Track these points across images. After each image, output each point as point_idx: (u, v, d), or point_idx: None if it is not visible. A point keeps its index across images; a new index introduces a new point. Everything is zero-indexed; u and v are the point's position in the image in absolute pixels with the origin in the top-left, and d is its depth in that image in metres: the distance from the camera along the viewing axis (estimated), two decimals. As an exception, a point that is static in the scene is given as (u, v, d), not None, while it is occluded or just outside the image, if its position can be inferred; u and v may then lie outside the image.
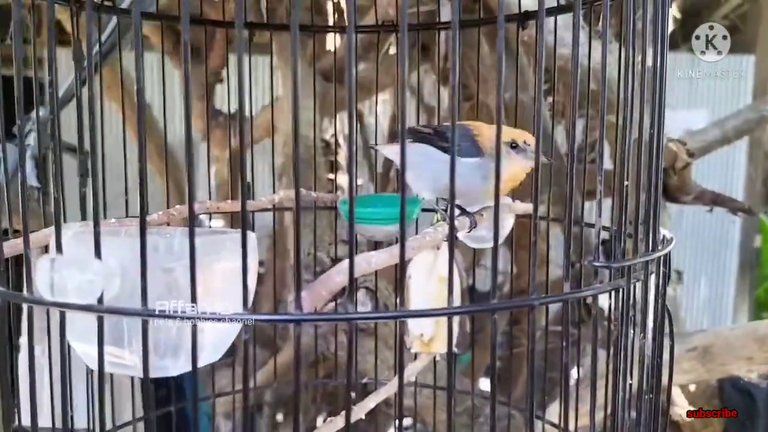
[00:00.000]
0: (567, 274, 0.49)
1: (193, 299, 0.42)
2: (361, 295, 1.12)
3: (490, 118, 1.17)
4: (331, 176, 1.98)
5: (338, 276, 0.45)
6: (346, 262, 0.44)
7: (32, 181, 1.07)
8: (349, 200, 0.42)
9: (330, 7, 1.73)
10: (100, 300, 0.43)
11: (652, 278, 0.59)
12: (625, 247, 0.54)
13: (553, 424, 0.90)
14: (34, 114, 1.09)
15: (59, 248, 0.44)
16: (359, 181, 2.18)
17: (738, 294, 3.83)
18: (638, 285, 0.56)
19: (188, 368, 0.49)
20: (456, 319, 0.92)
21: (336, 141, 2.15)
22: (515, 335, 1.85)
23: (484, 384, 1.94)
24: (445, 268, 0.96)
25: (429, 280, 0.91)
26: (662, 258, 0.60)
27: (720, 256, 3.96)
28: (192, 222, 0.41)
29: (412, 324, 0.87)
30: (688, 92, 3.89)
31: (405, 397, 1.28)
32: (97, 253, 0.43)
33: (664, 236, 0.65)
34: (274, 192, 1.01)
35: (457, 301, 0.93)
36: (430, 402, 1.08)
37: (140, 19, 0.44)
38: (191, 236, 0.41)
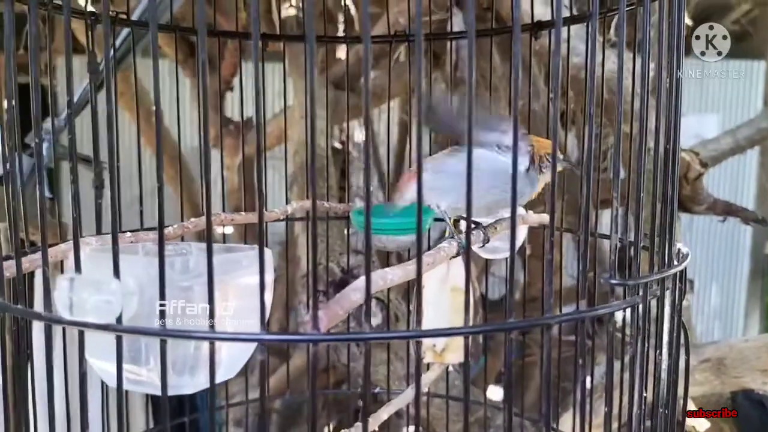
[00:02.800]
0: (582, 291, 0.49)
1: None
2: (372, 305, 1.12)
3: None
4: (343, 184, 1.98)
5: (354, 294, 0.45)
6: (362, 280, 0.44)
7: (45, 191, 1.08)
8: (365, 217, 0.42)
9: (341, 16, 1.74)
10: (119, 319, 0.44)
11: (668, 293, 0.59)
12: (640, 261, 0.54)
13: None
14: (45, 124, 1.10)
15: (78, 268, 0.45)
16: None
17: (749, 300, 3.80)
18: (654, 301, 0.56)
19: (205, 385, 0.49)
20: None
21: (347, 148, 2.15)
22: (527, 343, 1.85)
23: (493, 391, 1.93)
24: (457, 278, 0.97)
25: (442, 290, 0.91)
26: (678, 274, 0.59)
27: (731, 262, 3.94)
28: (210, 242, 0.41)
29: (425, 334, 0.87)
30: (699, 97, 3.88)
31: (411, 407, 1.28)
32: (116, 273, 0.43)
33: (679, 250, 0.64)
34: (285, 200, 1.02)
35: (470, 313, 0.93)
36: (442, 413, 1.08)
37: (156, 35, 0.44)
38: (209, 257, 0.41)
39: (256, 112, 0.44)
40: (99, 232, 0.82)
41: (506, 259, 0.96)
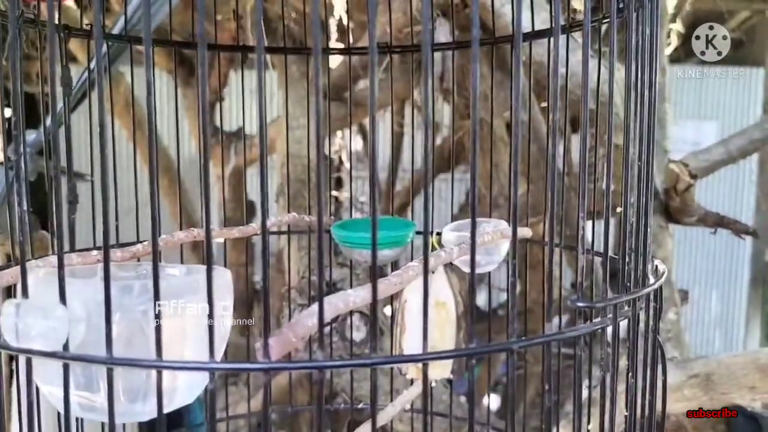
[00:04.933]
0: (547, 314, 0.47)
1: (158, 347, 0.40)
2: (356, 319, 1.11)
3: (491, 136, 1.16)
4: (334, 193, 1.97)
5: (309, 320, 0.44)
6: (316, 306, 0.43)
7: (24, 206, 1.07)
8: (371, 236, 0.40)
9: (333, 25, 1.73)
10: (66, 346, 0.42)
11: (642, 313, 0.58)
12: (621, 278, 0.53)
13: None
14: (27, 136, 1.09)
15: (25, 293, 0.43)
16: (361, 198, 2.18)
17: (750, 309, 3.78)
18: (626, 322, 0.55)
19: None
20: (450, 345, 0.92)
21: (340, 159, 2.14)
22: (525, 357, 1.83)
23: (486, 401, 1.92)
24: (441, 291, 0.95)
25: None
26: (652, 293, 0.58)
27: (731, 271, 3.92)
28: (156, 267, 0.40)
29: (408, 349, 0.86)
30: (698, 104, 3.87)
31: (401, 424, 1.27)
32: (62, 299, 0.42)
33: (656, 267, 0.63)
34: (266, 213, 1.01)
35: (453, 327, 0.92)
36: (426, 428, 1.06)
37: (152, 48, 0.41)
38: (155, 281, 0.40)
39: (259, 128, 0.42)
40: (72, 248, 0.81)
41: (489, 273, 0.95)
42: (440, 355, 0.53)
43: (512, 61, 0.43)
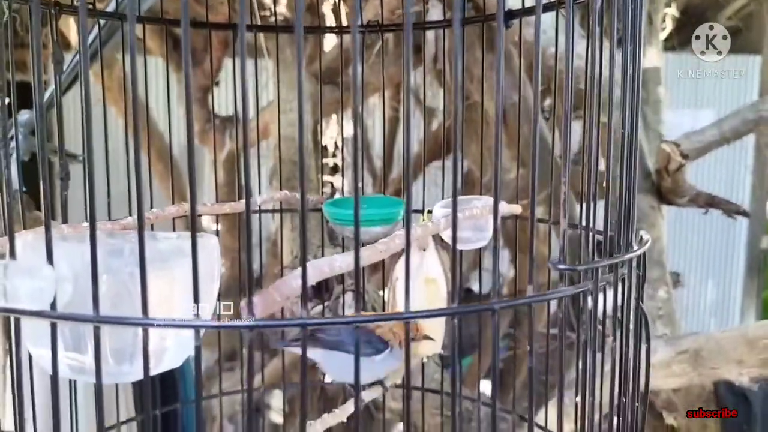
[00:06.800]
0: (531, 277, 0.48)
1: (144, 306, 0.41)
2: (348, 297, 1.12)
3: (486, 120, 1.16)
4: (327, 178, 1.97)
5: (294, 281, 0.45)
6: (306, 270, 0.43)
7: (18, 185, 1.07)
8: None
9: (327, 8, 1.73)
10: (53, 306, 0.43)
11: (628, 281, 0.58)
12: (594, 248, 0.53)
13: (541, 427, 0.90)
14: (20, 116, 1.09)
15: (12, 254, 0.44)
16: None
17: (745, 296, 3.80)
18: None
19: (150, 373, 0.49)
20: (441, 322, 0.93)
21: (336, 145, 2.15)
22: (518, 338, 1.85)
23: (484, 385, 1.93)
24: (432, 269, 0.96)
25: (416, 281, 0.91)
26: (635, 260, 0.59)
27: (727, 258, 3.93)
28: (141, 224, 0.41)
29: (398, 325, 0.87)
30: (694, 93, 3.87)
31: (393, 400, 1.28)
32: (49, 259, 0.43)
33: (641, 237, 0.64)
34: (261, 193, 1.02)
35: (443, 303, 0.93)
36: (418, 405, 1.07)
37: (134, 24, 0.42)
38: (140, 238, 0.40)
39: (242, 97, 0.42)
40: (65, 222, 0.81)
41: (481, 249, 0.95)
42: (424, 314, 0.54)
43: (497, 39, 0.43)
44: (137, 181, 0.41)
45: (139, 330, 0.43)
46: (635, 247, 0.60)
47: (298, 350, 0.86)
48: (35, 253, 0.46)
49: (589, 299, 0.52)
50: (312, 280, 0.49)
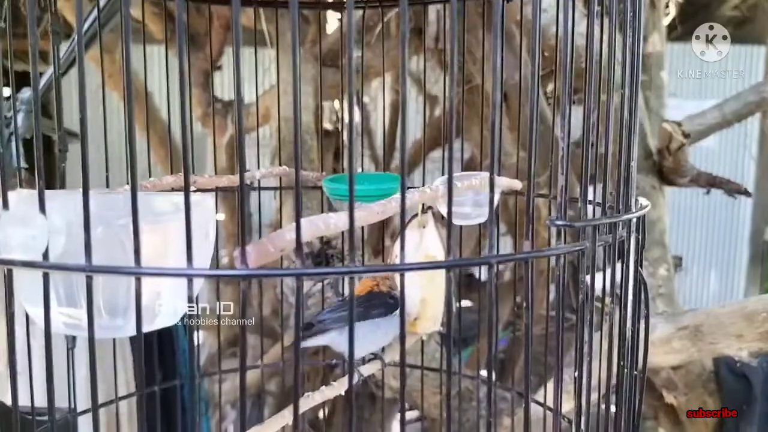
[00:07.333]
0: (528, 233, 0.48)
1: (137, 255, 0.41)
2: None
3: (488, 103, 1.16)
4: (335, 166, 1.97)
5: (288, 233, 0.44)
6: (300, 221, 0.43)
7: (20, 162, 1.07)
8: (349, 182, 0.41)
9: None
10: (46, 256, 0.43)
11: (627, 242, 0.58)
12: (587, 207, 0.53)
13: (539, 404, 0.90)
14: (21, 94, 1.09)
15: (5, 205, 0.44)
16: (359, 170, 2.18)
17: (748, 287, 3.79)
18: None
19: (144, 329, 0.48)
20: (440, 300, 0.92)
21: (338, 130, 2.14)
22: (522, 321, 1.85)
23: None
24: (431, 245, 0.96)
25: (415, 257, 0.91)
26: (634, 222, 0.58)
27: (730, 248, 3.92)
28: (134, 176, 0.40)
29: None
30: (699, 83, 3.86)
31: (392, 378, 1.27)
32: (41, 209, 0.42)
33: (640, 203, 0.63)
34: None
35: (442, 279, 0.93)
36: (418, 383, 1.07)
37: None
38: (133, 187, 0.40)
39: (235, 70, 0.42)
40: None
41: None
42: (418, 265, 0.53)
43: (488, 16, 0.43)
44: (129, 137, 0.41)
45: (132, 281, 0.43)
46: (634, 210, 0.59)
47: (316, 342, 0.86)
48: (28, 206, 0.46)
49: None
50: (307, 236, 0.49)
